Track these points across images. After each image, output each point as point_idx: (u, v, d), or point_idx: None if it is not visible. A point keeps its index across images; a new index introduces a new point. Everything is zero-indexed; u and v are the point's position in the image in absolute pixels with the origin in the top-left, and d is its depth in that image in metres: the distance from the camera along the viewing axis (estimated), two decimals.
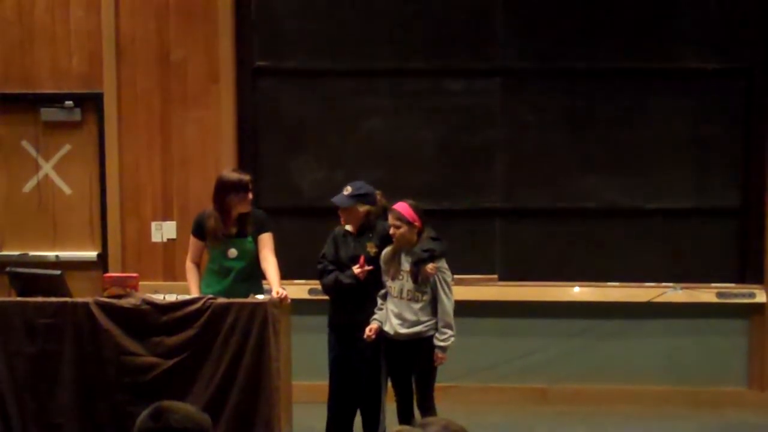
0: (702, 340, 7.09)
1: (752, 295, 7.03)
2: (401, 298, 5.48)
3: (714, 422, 6.72)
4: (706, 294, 7.04)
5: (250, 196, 5.78)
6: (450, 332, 5.44)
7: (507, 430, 6.26)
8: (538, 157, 7.15)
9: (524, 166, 7.16)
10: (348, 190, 5.63)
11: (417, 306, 5.46)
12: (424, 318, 5.47)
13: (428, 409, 5.40)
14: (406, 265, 5.47)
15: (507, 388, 7.12)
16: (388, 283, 5.53)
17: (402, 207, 5.46)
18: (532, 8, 7.12)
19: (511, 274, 7.13)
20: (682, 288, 7.04)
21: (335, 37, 7.16)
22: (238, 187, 5.72)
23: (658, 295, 7.03)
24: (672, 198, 7.14)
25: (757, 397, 7.07)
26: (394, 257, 5.51)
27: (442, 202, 6.92)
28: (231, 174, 5.84)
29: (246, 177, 5.79)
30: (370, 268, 5.51)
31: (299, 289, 6.72)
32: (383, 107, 7.18)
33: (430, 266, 5.40)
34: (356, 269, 5.52)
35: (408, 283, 5.47)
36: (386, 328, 5.51)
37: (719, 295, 7.05)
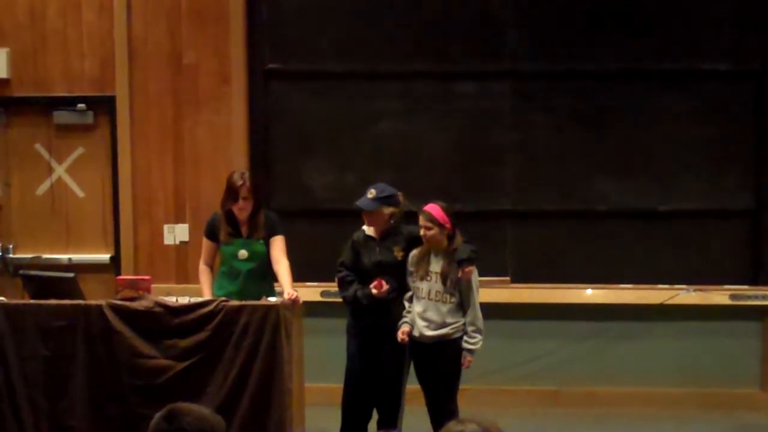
0: (714, 342, 7.07)
1: (765, 297, 7.01)
2: (429, 299, 5.48)
3: (726, 424, 6.70)
4: (718, 296, 7.02)
5: (242, 202, 5.72)
6: (480, 336, 5.48)
7: None
8: (549, 159, 7.14)
9: (535, 169, 7.15)
10: (372, 193, 5.57)
11: (445, 308, 5.46)
12: (450, 320, 5.47)
13: (451, 412, 5.38)
14: (435, 266, 5.47)
15: (519, 390, 7.11)
16: (416, 284, 5.52)
17: (433, 209, 5.45)
18: (542, 11, 7.11)
19: (524, 276, 7.13)
20: (694, 290, 7.02)
21: (346, 39, 7.17)
22: (229, 192, 5.73)
23: (671, 297, 7.01)
24: (684, 200, 7.12)
25: None
26: (423, 259, 5.50)
27: (453, 205, 6.84)
28: (231, 177, 5.81)
29: (239, 182, 5.71)
30: (386, 288, 5.46)
31: (311, 292, 6.72)
32: (394, 110, 7.19)
33: (468, 269, 5.43)
34: (374, 291, 5.46)
35: (437, 285, 5.47)
36: (413, 332, 5.51)
37: (732, 297, 7.03)
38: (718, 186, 7.13)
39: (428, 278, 5.49)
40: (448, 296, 5.46)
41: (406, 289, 5.58)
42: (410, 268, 5.56)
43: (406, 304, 5.57)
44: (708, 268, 7.07)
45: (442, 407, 5.42)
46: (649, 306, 7.04)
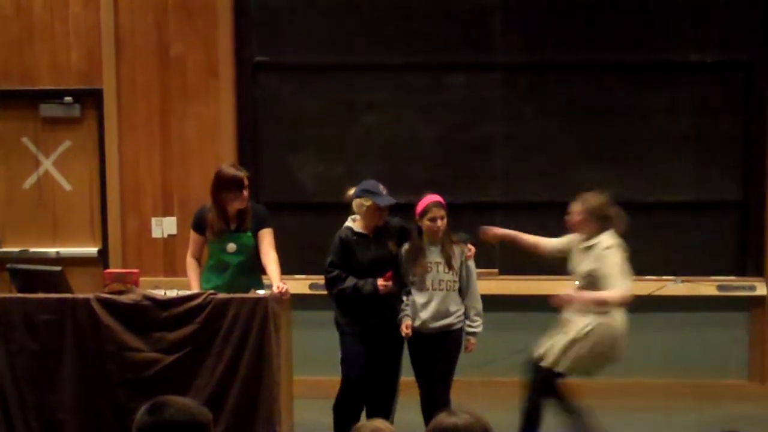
0: (702, 333, 7.10)
1: (753, 288, 7.04)
2: (433, 289, 5.49)
3: (714, 415, 6.72)
4: (706, 287, 7.05)
5: (245, 193, 5.72)
6: (481, 320, 5.56)
7: (509, 425, 6.25)
8: (538, 150, 7.15)
9: (524, 160, 7.17)
10: (384, 189, 5.50)
11: (449, 296, 5.49)
12: (453, 309, 5.51)
13: (444, 403, 5.39)
14: (434, 256, 5.49)
15: (509, 382, 7.09)
16: (417, 277, 5.50)
17: (440, 198, 5.52)
18: (531, 2, 7.11)
19: (512, 268, 7.13)
20: (682, 281, 7.05)
21: (335, 31, 7.16)
22: (231, 185, 5.70)
23: (659, 289, 7.03)
24: (672, 191, 7.14)
25: (758, 389, 7.09)
26: (420, 251, 5.50)
27: (442, 196, 6.91)
28: (227, 170, 5.80)
29: (241, 174, 5.73)
30: (390, 284, 5.43)
31: (300, 284, 6.72)
32: (383, 102, 7.18)
33: (472, 248, 5.58)
34: (381, 283, 5.43)
35: (440, 274, 5.49)
36: (415, 322, 5.51)
37: (720, 288, 7.05)
38: (706, 177, 7.15)
39: (429, 269, 5.49)
40: (452, 283, 5.49)
41: (403, 283, 5.58)
42: (406, 263, 5.55)
43: (404, 298, 5.56)
44: (696, 259, 7.09)
45: (437, 399, 5.41)
46: (637, 297, 7.04)
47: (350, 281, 5.49)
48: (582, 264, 5.58)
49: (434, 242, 5.51)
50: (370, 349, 5.54)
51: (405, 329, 5.48)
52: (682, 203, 7.13)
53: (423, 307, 5.50)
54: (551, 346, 5.61)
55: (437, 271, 5.49)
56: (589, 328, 5.51)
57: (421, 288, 5.51)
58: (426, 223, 5.48)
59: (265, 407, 5.32)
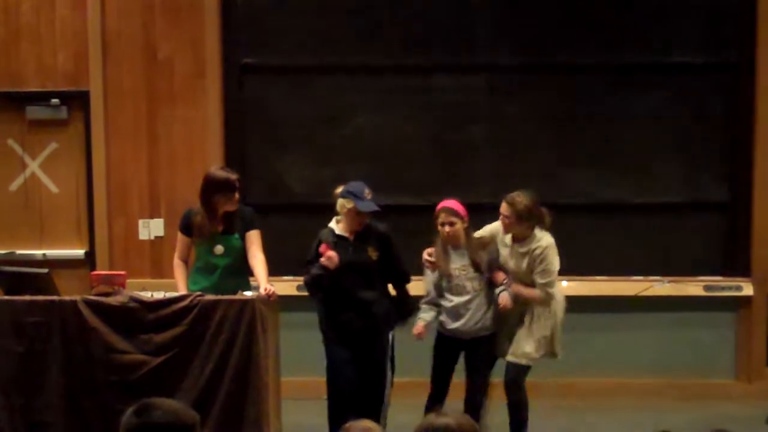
0: (689, 333, 7.13)
1: (739, 288, 7.07)
2: (464, 293, 5.53)
3: (702, 414, 6.74)
4: (693, 287, 7.08)
5: (237, 195, 5.75)
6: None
7: (497, 425, 6.28)
8: (525, 152, 7.17)
9: (511, 162, 7.17)
10: (369, 193, 5.43)
11: (480, 299, 5.54)
12: (484, 312, 5.56)
13: (480, 406, 5.55)
14: (459, 261, 5.52)
15: (497, 382, 7.12)
16: (445, 282, 5.55)
17: (454, 204, 5.54)
18: (517, 4, 7.13)
19: None
20: (669, 282, 7.08)
21: (322, 33, 7.16)
22: (224, 187, 5.70)
23: (646, 289, 7.06)
24: (659, 192, 7.16)
25: (744, 389, 7.11)
26: (443, 256, 5.53)
27: (429, 198, 6.90)
28: (218, 172, 5.80)
29: (233, 176, 5.75)
30: (332, 254, 5.36)
31: (287, 286, 6.72)
32: (370, 104, 7.19)
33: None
34: (322, 260, 5.37)
35: (471, 277, 5.52)
36: (451, 326, 5.55)
37: (706, 288, 7.08)
38: (693, 178, 7.17)
39: (456, 273, 5.53)
40: (481, 284, 5.53)
41: (385, 290, 5.58)
42: (437, 273, 5.59)
43: (424, 306, 5.61)
44: (683, 259, 7.12)
45: (473, 401, 5.58)
46: (623, 297, 7.08)
47: (310, 273, 5.48)
48: (521, 264, 5.62)
49: (457, 247, 5.54)
50: (356, 353, 5.51)
51: (417, 329, 5.54)
52: (668, 204, 7.16)
53: (453, 312, 5.54)
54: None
55: (465, 275, 5.52)
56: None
57: (450, 292, 5.55)
58: (438, 228, 5.53)
59: (252, 409, 5.31)
